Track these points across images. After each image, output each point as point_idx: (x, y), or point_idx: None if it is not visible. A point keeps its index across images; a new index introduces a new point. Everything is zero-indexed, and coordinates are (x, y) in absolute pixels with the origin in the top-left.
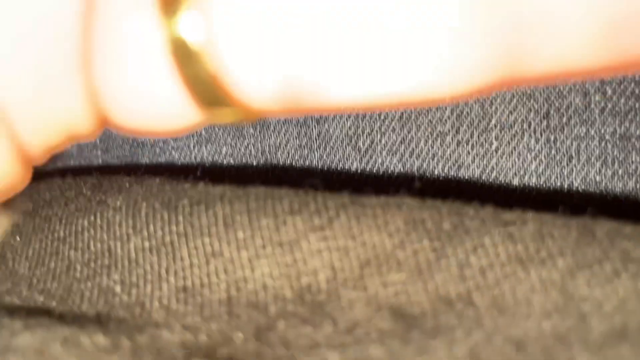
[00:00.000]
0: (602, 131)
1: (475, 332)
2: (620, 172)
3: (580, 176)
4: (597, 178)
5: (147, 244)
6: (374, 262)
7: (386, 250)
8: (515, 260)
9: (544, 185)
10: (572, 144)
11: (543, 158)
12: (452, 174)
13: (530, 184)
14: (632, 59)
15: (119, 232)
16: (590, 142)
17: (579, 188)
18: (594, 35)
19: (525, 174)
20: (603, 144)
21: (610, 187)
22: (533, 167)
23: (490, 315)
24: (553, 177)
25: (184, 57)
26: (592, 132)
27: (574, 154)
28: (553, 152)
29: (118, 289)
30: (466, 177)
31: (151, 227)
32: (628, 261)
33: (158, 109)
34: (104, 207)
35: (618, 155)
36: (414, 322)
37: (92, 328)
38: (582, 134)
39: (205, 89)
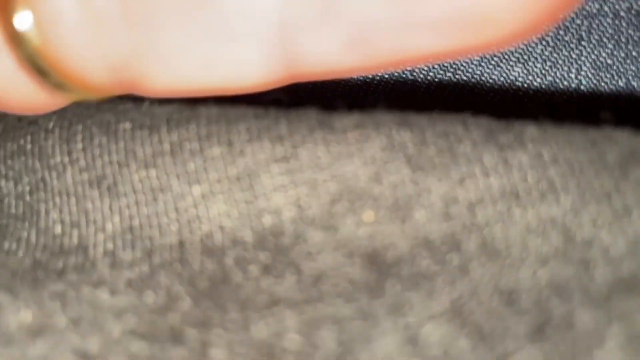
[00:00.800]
0: (617, 7)
1: (459, 281)
2: (634, 53)
3: (590, 59)
4: (609, 61)
5: (85, 176)
6: (345, 197)
7: (360, 183)
8: (510, 194)
9: (550, 70)
10: (582, 23)
11: (550, 39)
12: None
13: (535, 71)
14: (382, 62)
15: (53, 161)
16: (602, 20)
17: (588, 72)
18: (343, 43)
19: (529, 58)
20: (617, 21)
21: (622, 70)
22: (539, 50)
23: (478, 261)
24: (560, 61)
25: (24, 51)
26: (606, 9)
27: (584, 34)
28: (561, 32)
29: (58, 229)
30: (463, 65)
31: (89, 156)
32: None
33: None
34: (35, 129)
35: (633, 35)
36: (388, 270)
37: (23, 295)
38: (594, 11)
39: (49, 77)
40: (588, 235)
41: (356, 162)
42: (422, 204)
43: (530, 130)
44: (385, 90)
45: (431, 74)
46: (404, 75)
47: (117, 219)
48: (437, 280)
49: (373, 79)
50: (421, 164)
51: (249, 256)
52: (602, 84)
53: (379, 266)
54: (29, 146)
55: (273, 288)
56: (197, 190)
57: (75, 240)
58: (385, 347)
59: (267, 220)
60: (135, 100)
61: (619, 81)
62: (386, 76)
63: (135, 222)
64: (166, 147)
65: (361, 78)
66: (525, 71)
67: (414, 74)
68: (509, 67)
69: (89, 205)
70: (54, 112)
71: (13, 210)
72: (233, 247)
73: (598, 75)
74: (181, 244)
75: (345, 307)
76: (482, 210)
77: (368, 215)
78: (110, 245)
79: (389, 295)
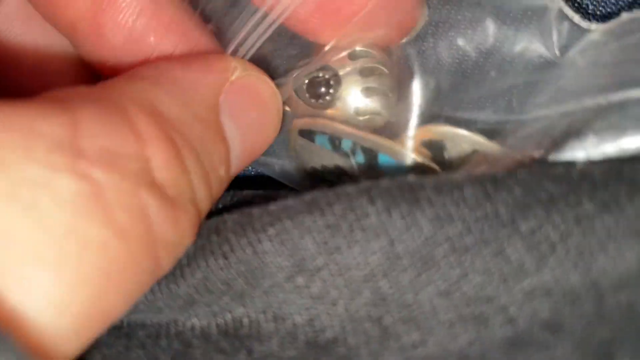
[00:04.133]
0: None
1: (381, 355)
2: None
3: None
4: None
5: None
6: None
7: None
8: (417, 260)
9: None
10: None
11: None
12: None
13: None
14: None
15: None
16: None
17: None
18: None
19: None
20: None
21: None
22: None
23: (395, 333)
24: None
25: None
26: None
27: None
28: None
29: None
30: None
31: None
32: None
33: None
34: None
35: None
36: (325, 349)
37: None
38: None
39: None
40: (487, 293)
41: (281, 255)
42: (346, 285)
43: (428, 192)
44: None
45: None
46: None
47: None
48: (362, 354)
49: None
50: (337, 244)
51: (212, 342)
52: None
53: (317, 347)
54: None
55: None
56: None
57: None
58: None
59: (228, 316)
60: None
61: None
62: None
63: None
64: None
65: None
66: None
67: None
68: None
69: None
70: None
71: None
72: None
73: None
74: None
75: None
76: (394, 280)
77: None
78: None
79: None
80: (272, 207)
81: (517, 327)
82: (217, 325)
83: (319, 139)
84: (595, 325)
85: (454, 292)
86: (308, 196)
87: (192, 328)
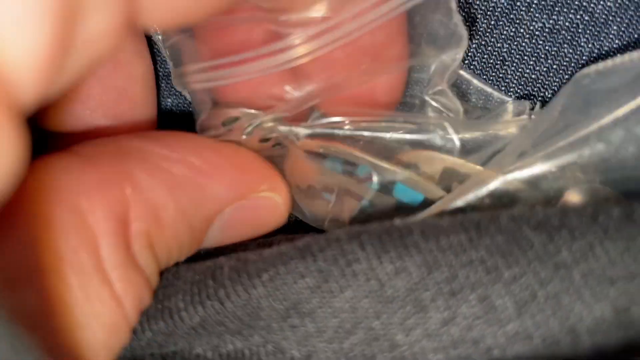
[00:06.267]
0: (532, 27)
1: None
2: (554, 66)
3: (515, 75)
4: (533, 76)
5: None
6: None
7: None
8: (409, 301)
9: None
10: (503, 46)
11: (476, 65)
12: None
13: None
14: None
15: None
16: (521, 41)
17: (516, 89)
18: None
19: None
20: (534, 40)
21: (547, 83)
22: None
23: None
24: (490, 80)
25: None
26: (522, 30)
27: (506, 56)
28: (486, 56)
29: None
30: None
31: None
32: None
33: None
34: None
35: (550, 50)
36: None
37: None
38: (511, 34)
39: None
40: (473, 336)
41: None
42: (339, 325)
43: (415, 238)
44: None
45: None
46: None
47: None
48: None
49: None
50: (330, 288)
51: None
52: (531, 96)
53: None
54: None
55: None
56: None
57: None
58: None
59: (230, 348)
60: None
61: (546, 92)
62: None
63: None
64: None
65: None
66: None
67: None
68: None
69: None
70: None
71: None
72: None
73: (526, 89)
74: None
75: None
76: (386, 322)
77: None
78: None
79: None
80: (266, 253)
81: None
82: (220, 355)
83: (329, 162)
84: None
85: (442, 335)
86: (300, 242)
87: (197, 357)
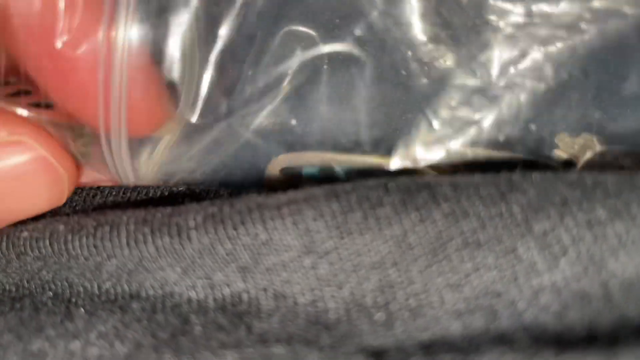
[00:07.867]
0: None
1: (382, 336)
2: None
3: None
4: None
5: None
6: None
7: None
8: (428, 252)
9: None
10: None
11: None
12: None
13: None
14: None
15: None
16: None
17: None
18: None
19: None
20: None
21: None
22: None
23: (402, 319)
24: None
25: None
26: None
27: None
28: None
29: None
30: None
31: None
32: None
33: None
34: None
35: None
36: (328, 328)
37: None
38: None
39: None
40: (497, 288)
41: (291, 234)
42: (354, 270)
43: (444, 189)
44: None
45: None
46: None
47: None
48: (364, 332)
49: None
50: (350, 229)
51: (210, 317)
52: None
53: (318, 324)
54: None
55: (225, 339)
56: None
57: None
58: None
59: (226, 291)
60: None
61: None
62: None
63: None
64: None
65: None
66: None
67: None
68: None
69: None
70: None
71: None
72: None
73: None
74: (153, 309)
75: (281, 348)
76: (404, 269)
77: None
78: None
79: (323, 344)
80: (291, 192)
81: (524, 320)
82: (215, 300)
83: (306, 172)
84: (603, 314)
85: (464, 286)
86: (328, 186)
87: (189, 301)
